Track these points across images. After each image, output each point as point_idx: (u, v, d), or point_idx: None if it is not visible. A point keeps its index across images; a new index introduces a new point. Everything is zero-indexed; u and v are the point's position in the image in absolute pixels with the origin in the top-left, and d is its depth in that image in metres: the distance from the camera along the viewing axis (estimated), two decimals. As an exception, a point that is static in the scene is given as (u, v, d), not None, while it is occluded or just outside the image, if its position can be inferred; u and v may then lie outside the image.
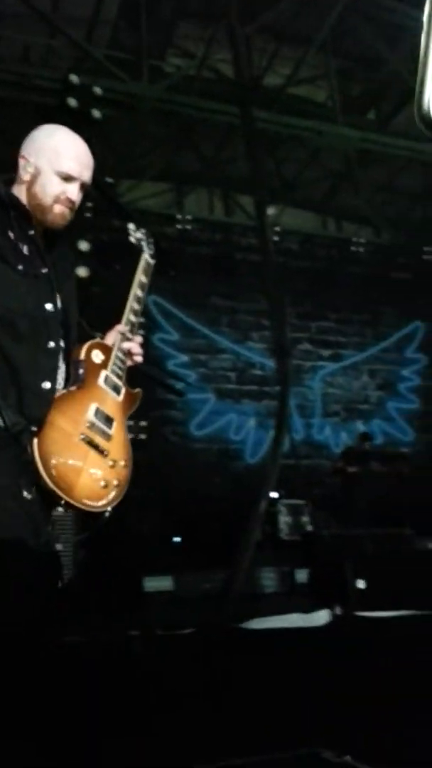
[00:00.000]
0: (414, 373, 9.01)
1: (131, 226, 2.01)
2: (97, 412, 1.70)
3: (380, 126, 7.49)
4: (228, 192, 8.24)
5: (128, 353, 1.84)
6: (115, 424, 1.74)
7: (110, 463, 1.68)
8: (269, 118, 6.64)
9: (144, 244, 2.01)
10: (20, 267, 1.63)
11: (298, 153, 7.72)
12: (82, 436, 1.64)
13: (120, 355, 1.82)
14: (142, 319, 1.93)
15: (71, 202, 1.72)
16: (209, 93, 6.55)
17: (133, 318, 1.88)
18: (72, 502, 1.58)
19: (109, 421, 1.72)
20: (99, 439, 1.67)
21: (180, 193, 8.00)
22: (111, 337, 1.86)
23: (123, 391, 1.80)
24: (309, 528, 6.23)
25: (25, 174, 1.71)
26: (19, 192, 1.73)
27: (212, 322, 8.07)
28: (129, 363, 1.85)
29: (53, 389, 1.66)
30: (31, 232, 1.68)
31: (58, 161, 1.69)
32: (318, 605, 4.50)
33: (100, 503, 1.64)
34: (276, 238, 7.42)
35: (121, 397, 1.79)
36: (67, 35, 5.80)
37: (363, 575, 4.59)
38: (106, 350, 1.81)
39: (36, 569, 1.53)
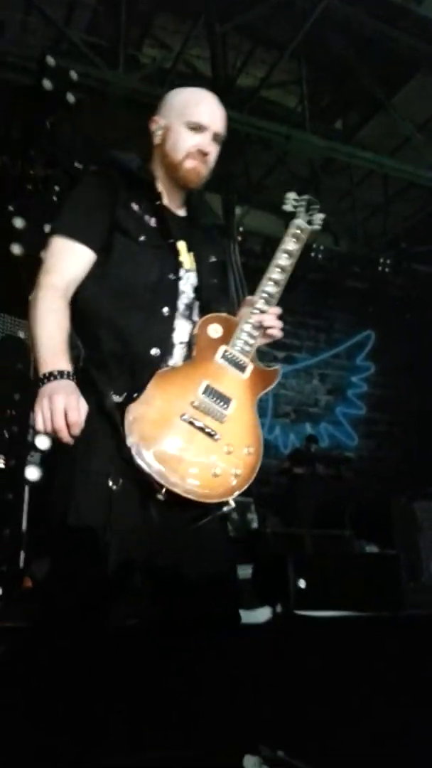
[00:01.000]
0: (362, 380, 9.26)
1: (290, 195, 1.81)
2: (208, 389, 1.49)
3: (346, 137, 7.64)
4: (197, 189, 8.23)
5: (260, 326, 1.60)
6: (234, 403, 1.50)
7: (225, 448, 1.46)
8: (241, 119, 6.67)
9: (301, 209, 1.78)
10: (142, 238, 1.55)
11: (265, 156, 7.80)
12: (184, 417, 1.44)
13: (247, 328, 1.59)
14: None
15: (204, 154, 1.61)
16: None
17: (271, 289, 1.64)
18: (173, 489, 1.38)
19: (223, 399, 1.49)
20: (208, 420, 1.46)
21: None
22: (242, 311, 1.68)
23: (250, 368, 1.57)
24: (254, 525, 6.31)
25: (156, 137, 1.65)
26: (155, 161, 1.67)
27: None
28: (263, 339, 1.63)
29: (163, 357, 1.50)
30: (158, 203, 1.61)
31: (185, 112, 1.62)
32: (260, 602, 4.58)
33: (213, 493, 1.42)
34: (239, 239, 7.47)
35: (246, 375, 1.56)
36: (45, 14, 5.68)
37: (303, 574, 4.69)
38: (228, 323, 1.60)
39: (95, 570, 1.38)
